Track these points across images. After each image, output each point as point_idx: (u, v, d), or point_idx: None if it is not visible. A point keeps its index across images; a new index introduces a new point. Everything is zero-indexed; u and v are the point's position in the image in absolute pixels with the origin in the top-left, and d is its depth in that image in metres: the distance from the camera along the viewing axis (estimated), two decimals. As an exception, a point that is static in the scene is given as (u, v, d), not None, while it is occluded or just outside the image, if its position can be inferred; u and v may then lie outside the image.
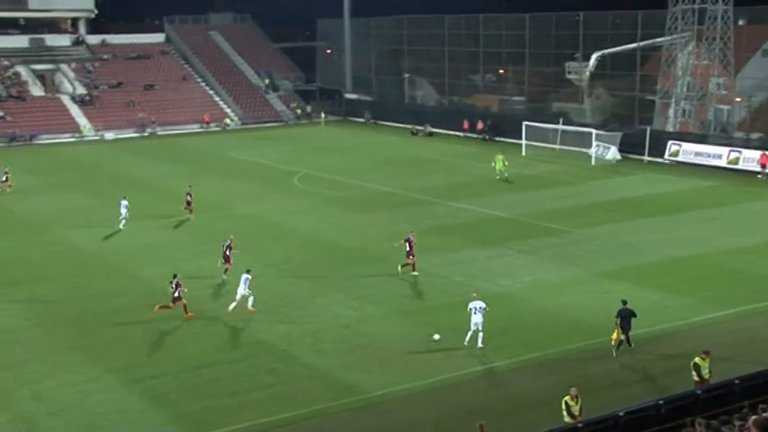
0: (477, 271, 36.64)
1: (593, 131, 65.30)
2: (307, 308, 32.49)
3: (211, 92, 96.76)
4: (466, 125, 79.66)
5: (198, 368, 27.23)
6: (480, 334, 27.95)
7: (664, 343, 28.30)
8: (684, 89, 68.21)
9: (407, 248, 36.17)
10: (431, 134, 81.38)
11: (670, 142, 63.76)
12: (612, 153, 64.43)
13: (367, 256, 39.19)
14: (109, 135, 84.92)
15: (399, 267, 36.21)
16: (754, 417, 15.23)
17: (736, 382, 20.42)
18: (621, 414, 18.83)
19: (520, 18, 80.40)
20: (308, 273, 36.95)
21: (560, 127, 68.79)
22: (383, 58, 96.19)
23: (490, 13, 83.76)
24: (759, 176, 56.62)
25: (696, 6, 65.68)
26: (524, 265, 36.85)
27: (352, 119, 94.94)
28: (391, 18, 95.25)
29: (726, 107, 68.17)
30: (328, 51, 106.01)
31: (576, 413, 21.23)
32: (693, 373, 23.40)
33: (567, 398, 21.27)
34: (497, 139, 76.73)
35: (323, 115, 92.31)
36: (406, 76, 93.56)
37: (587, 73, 73.42)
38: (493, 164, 58.63)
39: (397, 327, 30.32)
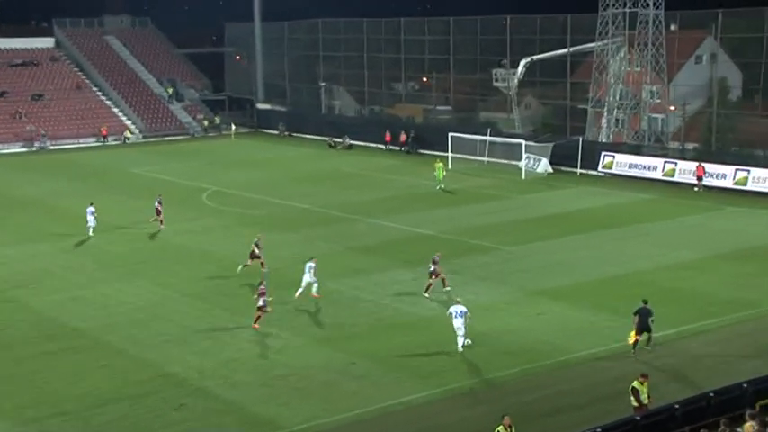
0: (404, 293, 36.82)
1: (523, 143, 66.33)
2: (218, 336, 32.16)
3: (109, 102, 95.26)
4: (388, 137, 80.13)
5: (102, 405, 26.67)
6: (460, 339, 29.80)
7: (601, 366, 28.85)
8: (617, 97, 69.92)
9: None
10: (350, 147, 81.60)
11: (603, 153, 65.21)
12: (543, 165, 65.58)
13: (283, 280, 38.94)
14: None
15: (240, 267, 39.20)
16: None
17: (677, 406, 20.93)
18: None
19: (443, 22, 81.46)
20: (220, 299, 36.60)
21: (488, 138, 69.73)
22: (298, 65, 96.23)
23: (412, 16, 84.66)
24: (695, 189, 58.31)
25: (627, 10, 67.52)
26: (454, 287, 36.95)
27: (264, 131, 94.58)
28: (305, 22, 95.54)
29: (660, 116, 70.15)
30: (237, 58, 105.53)
31: (511, 444, 21.48)
32: (632, 397, 23.89)
33: (499, 428, 21.48)
34: (421, 151, 77.35)
35: (233, 127, 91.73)
36: (323, 84, 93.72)
37: (515, 80, 74.70)
38: (435, 173, 59.58)
39: (316, 355, 30.23)
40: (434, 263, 36.68)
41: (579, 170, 65.29)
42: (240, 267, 39.65)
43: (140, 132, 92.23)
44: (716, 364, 28.90)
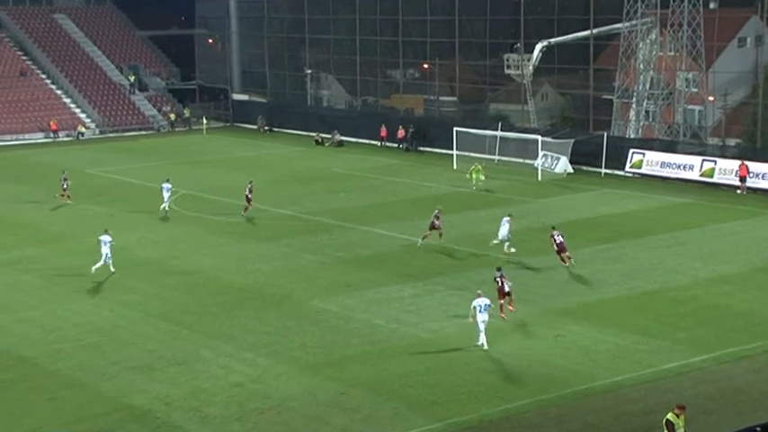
0: (402, 312, 36.78)
1: (540, 139, 66.45)
2: (188, 363, 32.11)
3: (59, 92, 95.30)
4: (383, 132, 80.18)
5: (49, 444, 26.64)
6: (483, 335, 32.12)
7: (632, 395, 28.84)
8: (647, 86, 70.07)
9: None
10: (341, 144, 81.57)
11: (632, 151, 65.35)
12: (563, 165, 65.68)
13: (263, 297, 38.95)
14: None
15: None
16: None
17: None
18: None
19: (448, 0, 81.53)
20: (190, 319, 36.56)
21: (499, 133, 69.80)
22: (280, 50, 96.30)
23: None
24: (738, 191, 58.43)
25: (659, -14, 67.95)
26: (459, 304, 36.93)
27: (241, 125, 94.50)
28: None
29: (697, 108, 70.30)
30: (210, 41, 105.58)
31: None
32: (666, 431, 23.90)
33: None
34: (422, 149, 77.41)
35: (204, 121, 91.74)
36: (309, 71, 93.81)
37: (530, 67, 74.81)
38: (468, 175, 60.38)
39: (300, 385, 30.17)
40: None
41: (604, 170, 65.39)
42: (420, 241, 45.81)
43: (97, 127, 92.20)
44: (762, 395, 28.87)
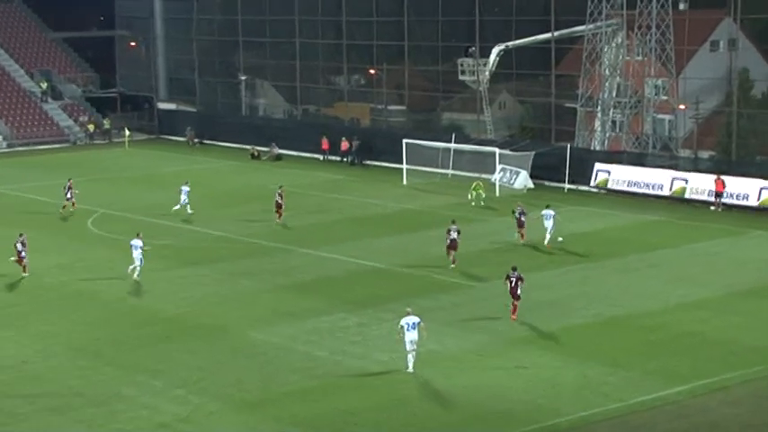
0: (347, 343, 36.76)
1: (497, 151, 66.73)
2: (109, 402, 31.78)
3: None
4: (325, 144, 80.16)
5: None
6: (412, 358, 32.98)
7: (599, 432, 29.09)
8: (614, 94, 70.67)
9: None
10: (279, 157, 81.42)
11: (597, 165, 65.87)
12: (522, 180, 66.02)
13: (194, 327, 38.73)
14: None
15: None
16: None
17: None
18: None
19: (396, 0, 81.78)
20: (112, 353, 36.23)
21: (453, 146, 69.97)
22: (211, 54, 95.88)
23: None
24: (713, 208, 59.06)
25: (625, -15, 68.59)
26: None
27: (168, 137, 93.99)
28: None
29: (667, 117, 71.05)
30: (132, 44, 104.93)
31: None
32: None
33: None
34: (368, 162, 77.46)
35: (127, 133, 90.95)
36: (244, 78, 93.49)
37: (487, 73, 75.17)
38: (470, 196, 61.13)
39: (235, 425, 29.99)
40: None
41: (567, 185, 65.88)
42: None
43: (4, 139, 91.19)
44: (741, 429, 29.17)
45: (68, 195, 61.00)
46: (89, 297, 43.47)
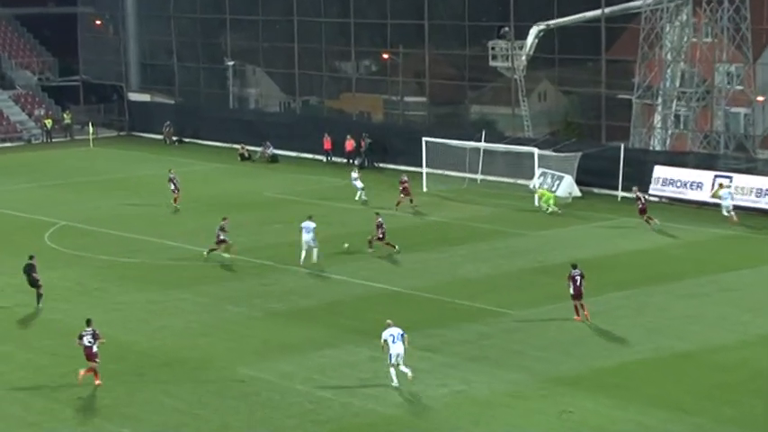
0: (355, 381, 36.59)
1: (536, 152, 66.67)
2: (70, 453, 31.78)
3: None
4: (327, 144, 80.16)
5: None
6: (402, 368, 34.78)
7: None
8: (677, 83, 70.43)
9: None
10: (273, 159, 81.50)
11: (657, 168, 65.71)
12: (567, 186, 65.88)
13: (173, 363, 38.69)
14: None
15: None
16: None
17: None
18: None
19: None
20: (72, 395, 36.13)
21: (483, 145, 69.87)
22: (192, 36, 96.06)
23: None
24: (798, 220, 59.01)
25: (692, -49, 68.42)
26: (432, 371, 36.95)
27: (141, 134, 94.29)
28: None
29: (743, 111, 70.68)
30: (98, 22, 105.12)
31: None
32: None
33: None
34: (381, 165, 77.43)
35: (91, 129, 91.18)
36: (231, 64, 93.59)
37: (524, 58, 75.08)
38: (537, 203, 62.05)
39: (224, 480, 29.98)
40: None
41: (621, 193, 65.72)
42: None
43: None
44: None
45: (173, 187, 65.19)
46: (43, 326, 43.46)
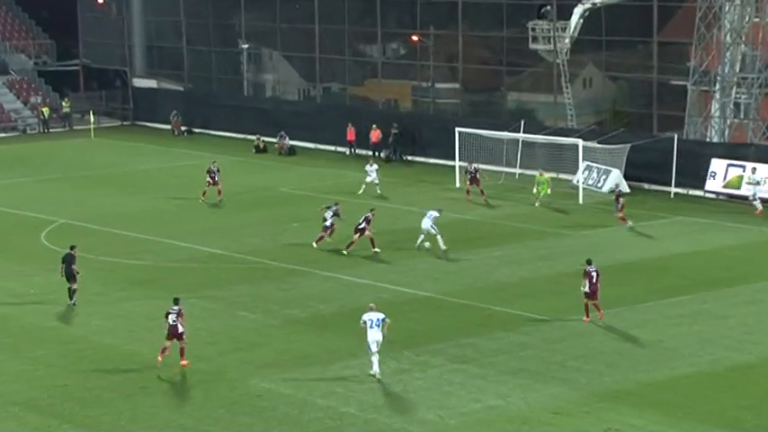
0: (381, 396, 36.61)
1: (580, 143, 66.59)
2: (67, 473, 31.84)
3: None
4: (351, 134, 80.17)
5: None
6: (376, 359, 36.60)
7: None
8: (737, 68, 70.15)
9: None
10: (292, 151, 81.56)
11: (715, 162, 65.50)
12: (614, 180, 65.74)
13: (179, 374, 38.73)
14: None
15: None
16: None
17: None
18: None
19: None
20: (71, 409, 36.22)
21: (522, 136, 69.82)
22: (203, 16, 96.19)
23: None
24: None
25: None
26: (465, 383, 36.98)
27: (146, 124, 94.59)
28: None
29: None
30: (100, 1, 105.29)
31: None
32: None
33: None
34: (410, 158, 77.38)
35: (92, 118, 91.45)
36: (246, 47, 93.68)
37: (567, 40, 74.94)
38: (535, 190, 62.01)
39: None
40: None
41: (674, 189, 65.59)
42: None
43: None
44: None
45: (209, 179, 66.14)
46: (38, 335, 43.54)
